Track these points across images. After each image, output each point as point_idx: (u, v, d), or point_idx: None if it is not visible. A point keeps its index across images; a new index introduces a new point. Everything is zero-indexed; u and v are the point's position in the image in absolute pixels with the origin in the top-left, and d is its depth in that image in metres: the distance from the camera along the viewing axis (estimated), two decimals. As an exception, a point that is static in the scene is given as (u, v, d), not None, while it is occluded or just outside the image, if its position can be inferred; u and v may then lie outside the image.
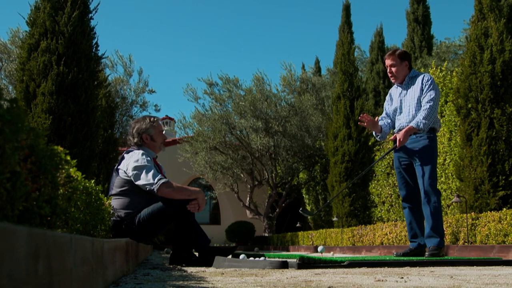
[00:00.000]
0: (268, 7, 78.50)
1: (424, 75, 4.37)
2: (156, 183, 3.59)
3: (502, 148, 6.00)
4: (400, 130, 4.39)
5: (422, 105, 4.25)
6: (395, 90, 4.60)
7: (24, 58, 5.97)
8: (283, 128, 15.38)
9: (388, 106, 4.63)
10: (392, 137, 4.39)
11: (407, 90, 4.44)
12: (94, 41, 6.46)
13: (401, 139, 4.25)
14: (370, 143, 10.90)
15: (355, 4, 59.18)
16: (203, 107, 16.62)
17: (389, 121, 4.59)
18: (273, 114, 15.51)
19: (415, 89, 4.37)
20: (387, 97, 4.69)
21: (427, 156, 4.22)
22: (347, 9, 17.94)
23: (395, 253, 4.40)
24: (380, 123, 4.53)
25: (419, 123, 4.18)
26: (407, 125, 4.29)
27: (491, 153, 6.01)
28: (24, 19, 6.08)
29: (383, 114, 4.66)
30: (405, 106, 4.41)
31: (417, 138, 4.28)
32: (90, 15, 6.38)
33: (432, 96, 4.21)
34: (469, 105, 6.32)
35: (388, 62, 4.52)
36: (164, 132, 4.15)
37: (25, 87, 5.85)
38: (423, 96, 4.28)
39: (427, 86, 4.28)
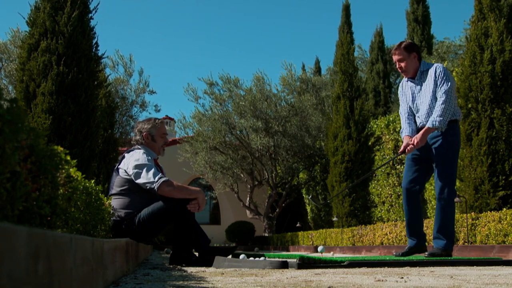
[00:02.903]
0: (268, 7, 78.50)
1: (436, 67, 4.16)
2: (157, 181, 3.60)
3: (502, 148, 6.00)
4: (420, 129, 4.19)
5: (438, 100, 4.06)
6: (407, 86, 4.38)
7: (24, 58, 5.97)
8: (283, 128, 15.38)
9: (405, 103, 4.37)
10: (409, 140, 4.16)
11: (420, 86, 4.24)
12: (94, 41, 6.46)
13: (418, 142, 4.07)
14: (370, 143, 10.91)
15: (355, 4, 59.19)
16: (203, 107, 16.64)
17: (412, 117, 4.34)
18: (273, 114, 15.51)
19: (428, 83, 4.17)
20: (400, 92, 4.46)
21: (446, 154, 4.05)
22: (346, 9, 17.95)
23: (395, 253, 4.36)
24: (410, 128, 4.26)
25: (434, 122, 3.99)
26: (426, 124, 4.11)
27: (491, 153, 6.01)
28: (24, 19, 6.08)
29: (406, 111, 4.35)
30: (421, 103, 4.22)
31: (438, 132, 4.08)
32: (90, 15, 6.37)
33: (445, 89, 4.01)
34: (469, 105, 6.32)
35: (395, 57, 4.31)
36: (167, 136, 4.15)
37: (25, 87, 5.85)
38: (437, 90, 4.09)
39: (440, 79, 4.08)
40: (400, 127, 4.68)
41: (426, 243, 4.38)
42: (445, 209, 4.05)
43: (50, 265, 0.84)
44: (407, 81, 4.39)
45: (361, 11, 61.25)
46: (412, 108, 4.32)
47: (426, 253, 4.10)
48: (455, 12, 55.88)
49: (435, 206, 4.28)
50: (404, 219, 4.43)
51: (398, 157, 4.49)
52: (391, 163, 10.65)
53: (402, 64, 4.28)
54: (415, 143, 4.09)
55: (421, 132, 4.08)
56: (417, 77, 4.28)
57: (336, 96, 11.27)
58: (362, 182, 10.51)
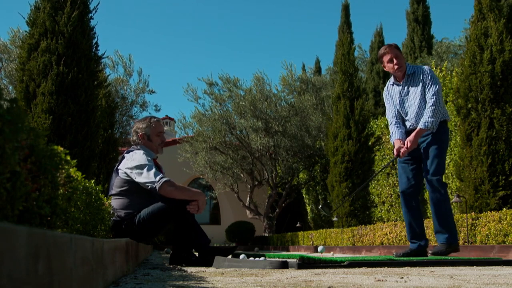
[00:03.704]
0: (268, 7, 78.53)
1: (422, 70, 4.18)
2: (158, 181, 3.59)
3: (502, 148, 6.00)
4: (410, 131, 4.20)
5: (427, 102, 4.08)
6: (393, 89, 4.36)
7: (24, 58, 5.97)
8: (283, 128, 15.38)
9: (393, 106, 4.36)
10: (400, 144, 4.14)
11: (408, 89, 4.23)
12: (94, 41, 6.46)
13: (411, 145, 4.07)
14: (370, 143, 10.91)
15: (355, 4, 59.26)
16: (203, 107, 16.65)
17: (400, 120, 4.33)
18: (273, 114, 15.52)
19: (417, 86, 4.17)
20: (386, 96, 4.42)
21: (434, 148, 4.05)
22: (346, 9, 17.95)
23: (394, 253, 4.31)
24: (400, 131, 4.24)
25: (426, 123, 4.02)
26: (417, 126, 4.12)
27: (491, 153, 6.01)
28: (24, 19, 6.08)
29: (394, 115, 4.33)
30: (409, 106, 4.22)
31: (427, 132, 4.10)
32: (90, 15, 6.38)
33: (434, 91, 4.04)
34: (469, 105, 6.33)
35: (389, 56, 4.25)
36: (164, 134, 4.13)
37: (25, 87, 5.85)
38: (426, 93, 4.11)
39: (428, 81, 4.10)
40: None
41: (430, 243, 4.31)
42: (440, 203, 4.01)
43: (50, 265, 0.84)
44: (392, 84, 4.37)
45: (361, 11, 61.31)
46: (401, 112, 4.31)
47: (430, 251, 4.03)
48: (455, 12, 55.93)
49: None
50: (404, 220, 4.37)
51: (395, 161, 4.43)
52: (391, 164, 10.65)
53: (399, 61, 4.24)
54: (408, 146, 4.08)
55: (413, 134, 4.08)
56: (404, 80, 4.26)
57: (336, 96, 11.27)
58: (362, 182, 10.50)
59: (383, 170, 10.64)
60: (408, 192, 4.23)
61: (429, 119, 4.01)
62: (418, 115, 4.16)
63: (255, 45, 79.84)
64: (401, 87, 4.30)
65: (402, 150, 4.13)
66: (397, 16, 63.24)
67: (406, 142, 4.11)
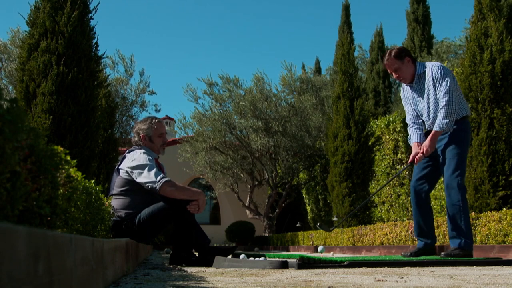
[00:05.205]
0: (268, 7, 78.48)
1: (431, 67, 4.04)
2: (159, 181, 3.60)
3: (502, 148, 6.00)
4: (429, 132, 4.08)
5: (439, 102, 3.96)
6: (408, 91, 4.27)
7: (24, 58, 5.97)
8: (283, 128, 15.38)
9: (410, 107, 4.26)
10: (417, 149, 4.05)
11: (420, 90, 4.14)
12: (94, 41, 6.46)
13: (427, 149, 3.97)
14: (370, 143, 10.91)
15: (355, 4, 59.25)
16: (203, 107, 16.64)
17: (420, 120, 4.22)
18: (273, 114, 15.51)
19: (428, 87, 4.05)
20: (403, 98, 4.34)
21: (451, 148, 3.93)
22: (346, 9, 17.98)
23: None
24: (418, 133, 4.15)
25: (441, 125, 3.89)
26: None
27: (491, 153, 6.01)
28: (24, 19, 6.08)
29: (411, 117, 4.24)
30: (423, 108, 4.12)
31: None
32: (90, 15, 6.38)
33: (446, 88, 3.89)
34: (469, 105, 6.32)
35: (389, 69, 4.19)
36: (165, 135, 4.13)
37: (25, 87, 5.85)
38: (437, 92, 3.97)
39: (437, 79, 3.97)
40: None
41: (440, 243, 4.25)
42: (456, 206, 3.88)
43: (50, 265, 0.84)
44: (406, 86, 4.29)
45: (361, 11, 61.31)
46: (418, 113, 4.23)
47: (443, 253, 3.92)
48: (455, 12, 55.91)
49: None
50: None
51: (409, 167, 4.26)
52: (391, 163, 10.65)
53: (399, 73, 4.15)
54: (424, 151, 3.99)
55: (428, 138, 3.98)
56: (415, 81, 4.17)
57: (336, 96, 11.26)
58: (362, 182, 10.51)
59: (382, 168, 10.63)
60: (419, 188, 4.14)
61: (443, 120, 3.88)
62: (433, 116, 4.06)
63: (255, 45, 79.80)
64: (413, 89, 4.22)
65: (417, 157, 4.05)
66: (397, 16, 63.27)
67: (422, 147, 4.02)
